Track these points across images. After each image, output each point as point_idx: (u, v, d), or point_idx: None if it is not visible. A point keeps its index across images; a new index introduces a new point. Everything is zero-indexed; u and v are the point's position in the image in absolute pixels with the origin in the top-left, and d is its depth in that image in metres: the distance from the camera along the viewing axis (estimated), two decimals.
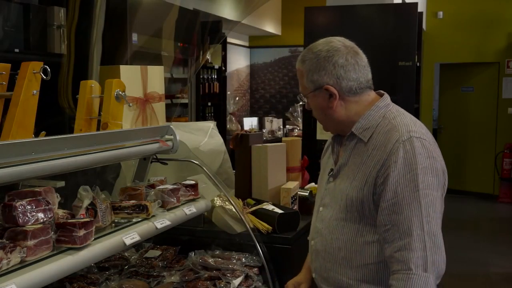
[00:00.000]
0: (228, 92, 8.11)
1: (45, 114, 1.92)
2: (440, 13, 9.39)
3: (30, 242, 1.55)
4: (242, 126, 8.91)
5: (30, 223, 1.59)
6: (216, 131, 3.31)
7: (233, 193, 3.02)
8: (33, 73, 1.78)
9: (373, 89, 1.80)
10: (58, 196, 1.83)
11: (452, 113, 9.82)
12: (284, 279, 2.20)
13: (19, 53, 3.19)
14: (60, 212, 1.82)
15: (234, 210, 2.59)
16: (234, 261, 2.44)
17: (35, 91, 1.79)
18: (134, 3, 4.22)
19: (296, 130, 8.69)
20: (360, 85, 1.73)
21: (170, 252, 2.60)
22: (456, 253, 5.87)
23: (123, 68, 2.23)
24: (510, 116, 9.23)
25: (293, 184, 3.03)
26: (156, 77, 2.44)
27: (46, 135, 1.79)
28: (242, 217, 2.56)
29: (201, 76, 6.64)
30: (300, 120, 8.11)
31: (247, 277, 2.39)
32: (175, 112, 6.02)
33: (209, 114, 6.90)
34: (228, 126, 8.03)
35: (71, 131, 2.08)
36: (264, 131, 8.81)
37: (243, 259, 2.46)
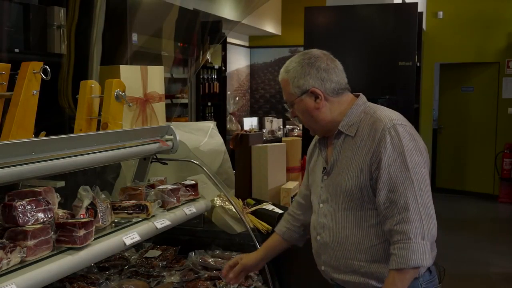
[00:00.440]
0: (228, 92, 8.10)
1: (45, 114, 1.92)
2: (440, 13, 9.39)
3: (30, 242, 1.55)
4: (242, 126, 8.90)
5: (30, 223, 1.59)
6: (216, 131, 3.32)
7: (233, 193, 3.02)
8: (33, 73, 1.78)
9: (350, 91, 1.97)
10: (58, 196, 1.83)
11: (452, 113, 9.81)
12: (284, 279, 2.20)
13: (19, 53, 3.18)
14: (60, 212, 1.82)
15: (234, 210, 2.60)
16: None
17: (35, 91, 1.79)
18: (134, 3, 4.21)
19: (296, 130, 8.69)
20: (340, 86, 1.91)
21: (170, 252, 2.60)
22: (456, 253, 5.84)
23: (123, 68, 2.24)
24: (510, 116, 9.22)
25: (293, 184, 3.04)
26: (156, 77, 2.44)
27: (46, 135, 1.79)
28: (242, 217, 2.56)
29: (201, 76, 6.63)
30: None
31: (247, 277, 2.39)
32: (175, 112, 6.00)
33: (209, 114, 6.89)
34: (228, 126, 8.01)
35: (71, 131, 2.08)
36: (264, 131, 8.80)
37: None
